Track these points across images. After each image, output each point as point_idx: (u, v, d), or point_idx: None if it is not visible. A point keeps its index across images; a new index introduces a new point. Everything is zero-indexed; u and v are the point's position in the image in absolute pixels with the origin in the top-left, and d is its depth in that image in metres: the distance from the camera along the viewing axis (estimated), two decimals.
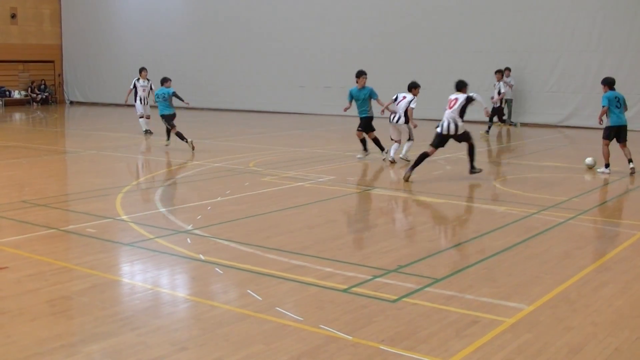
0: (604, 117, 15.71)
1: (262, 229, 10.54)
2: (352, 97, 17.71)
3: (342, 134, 24.81)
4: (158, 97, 20.25)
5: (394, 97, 17.54)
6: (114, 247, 9.57)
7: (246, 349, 6.03)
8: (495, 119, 24.59)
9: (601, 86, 16.06)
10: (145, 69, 25.18)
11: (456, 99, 14.80)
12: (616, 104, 15.58)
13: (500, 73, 25.27)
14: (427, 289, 7.58)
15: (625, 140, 15.69)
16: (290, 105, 33.40)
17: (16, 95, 41.09)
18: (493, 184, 14.39)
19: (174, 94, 20.09)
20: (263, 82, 34.25)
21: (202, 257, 8.85)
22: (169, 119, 20.12)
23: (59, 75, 43.49)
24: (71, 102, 43.21)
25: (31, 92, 41.81)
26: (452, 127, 14.65)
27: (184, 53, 37.52)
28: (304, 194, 13.29)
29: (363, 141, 17.83)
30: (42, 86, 42.22)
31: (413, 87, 17.59)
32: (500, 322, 6.59)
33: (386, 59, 30.33)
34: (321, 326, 6.49)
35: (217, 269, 8.34)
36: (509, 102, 27.19)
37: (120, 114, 34.52)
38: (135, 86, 24.69)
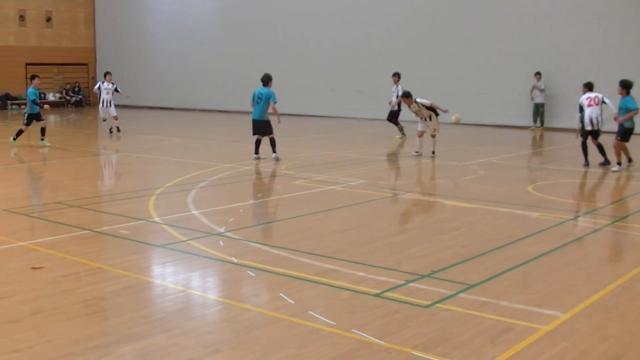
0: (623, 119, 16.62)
1: (294, 232, 10.53)
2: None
3: (372, 137, 24.74)
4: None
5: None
6: (146, 249, 9.60)
7: (278, 352, 6.01)
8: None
9: (620, 88, 16.89)
10: (110, 73, 26.21)
11: (596, 97, 16.99)
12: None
13: (397, 76, 24.33)
14: (461, 294, 7.51)
15: None
16: (321, 109, 33.38)
17: (51, 97, 41.44)
18: (527, 190, 14.25)
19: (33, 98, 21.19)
20: (294, 85, 34.13)
21: (234, 259, 8.85)
22: (37, 117, 21.19)
23: (93, 77, 43.76)
24: None
25: (65, 94, 42.20)
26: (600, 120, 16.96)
27: (217, 55, 37.68)
28: (336, 198, 13.25)
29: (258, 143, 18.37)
30: (76, 89, 42.57)
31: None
32: (535, 330, 6.51)
33: (417, 62, 30.19)
34: (353, 331, 6.45)
35: (249, 272, 8.33)
36: (539, 106, 26.99)
37: (153, 116, 34.73)
38: (100, 89, 25.58)
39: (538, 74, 26.76)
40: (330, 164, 17.61)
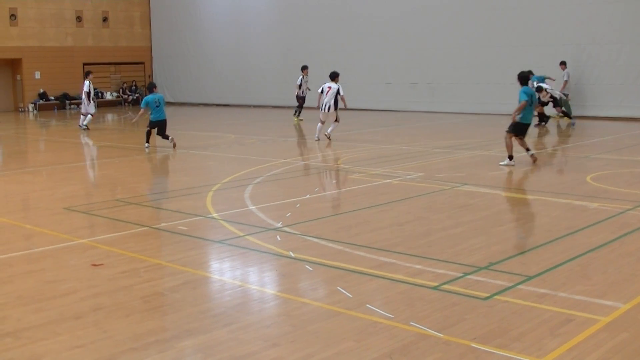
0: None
1: (351, 226, 10.53)
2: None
3: (428, 130, 24.64)
4: None
5: (320, 90, 20.66)
6: (204, 245, 9.70)
7: (337, 345, 6.03)
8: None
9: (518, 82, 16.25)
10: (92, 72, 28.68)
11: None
12: (531, 101, 15.82)
13: (307, 69, 29.62)
14: (519, 286, 7.45)
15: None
16: (377, 102, 33.25)
17: (108, 96, 42.09)
18: (585, 180, 14.07)
19: None
20: (350, 79, 34.13)
21: (291, 254, 8.89)
22: None
23: (149, 76, 44.32)
24: None
25: (122, 93, 42.77)
26: None
27: (272, 51, 37.77)
28: (393, 191, 13.23)
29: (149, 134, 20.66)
30: (133, 87, 43.14)
31: (336, 76, 20.88)
32: (595, 321, 6.43)
33: (469, 54, 29.99)
34: (412, 323, 6.45)
35: (306, 266, 8.36)
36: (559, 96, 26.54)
37: (210, 113, 34.97)
38: (89, 87, 27.46)
39: (563, 63, 26.38)
40: (386, 157, 17.57)
